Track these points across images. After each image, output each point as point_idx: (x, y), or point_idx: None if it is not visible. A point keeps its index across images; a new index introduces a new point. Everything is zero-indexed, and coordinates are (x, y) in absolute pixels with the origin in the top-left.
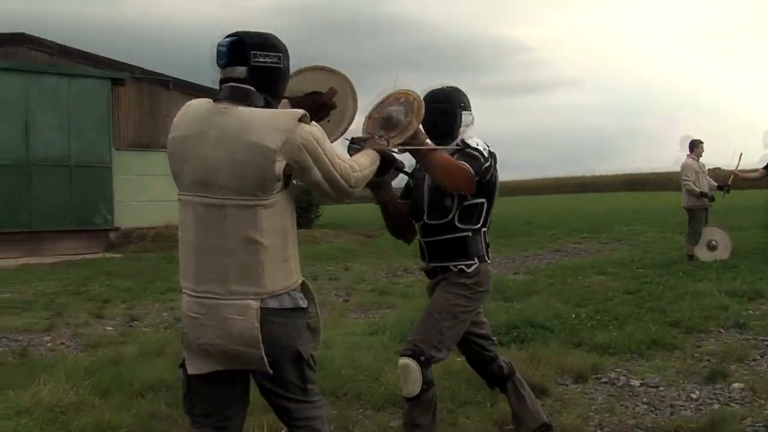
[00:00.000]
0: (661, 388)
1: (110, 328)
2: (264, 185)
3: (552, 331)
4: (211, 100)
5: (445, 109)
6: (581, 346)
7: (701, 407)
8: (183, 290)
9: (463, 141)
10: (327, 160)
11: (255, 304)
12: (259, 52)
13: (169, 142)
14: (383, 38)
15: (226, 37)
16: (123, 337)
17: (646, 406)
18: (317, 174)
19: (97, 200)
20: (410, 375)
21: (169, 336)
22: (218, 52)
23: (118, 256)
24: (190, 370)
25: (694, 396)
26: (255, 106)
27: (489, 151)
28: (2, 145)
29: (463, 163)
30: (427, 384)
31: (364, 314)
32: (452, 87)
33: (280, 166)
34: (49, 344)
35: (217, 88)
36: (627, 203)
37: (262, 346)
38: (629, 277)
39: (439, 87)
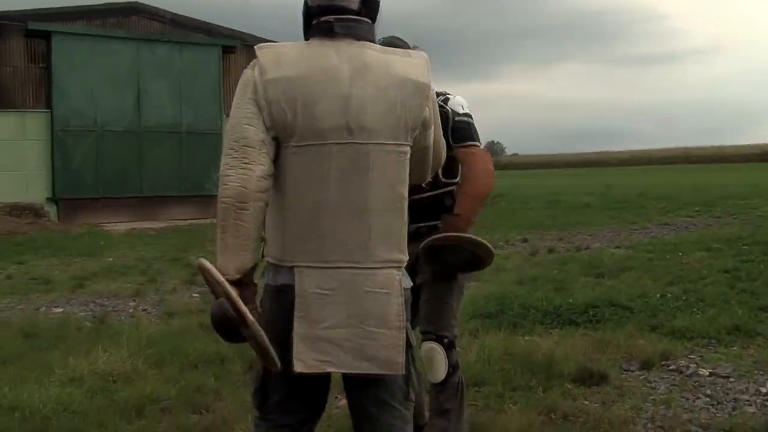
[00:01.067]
0: (731, 380)
1: (196, 295)
2: (412, 128)
3: (631, 311)
4: (319, 39)
5: None
6: (657, 330)
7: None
8: (299, 265)
9: (448, 104)
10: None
11: (398, 275)
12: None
13: (268, 85)
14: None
15: None
16: (206, 305)
17: (707, 399)
18: (431, 137)
19: (207, 167)
20: (435, 359)
21: None
22: None
23: None
24: (299, 368)
25: (764, 390)
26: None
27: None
28: (115, 113)
29: (477, 155)
30: (453, 367)
31: None
32: (396, 37)
33: (428, 115)
34: (131, 310)
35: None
36: (750, 177)
37: (405, 329)
38: (731, 255)
39: (387, 37)
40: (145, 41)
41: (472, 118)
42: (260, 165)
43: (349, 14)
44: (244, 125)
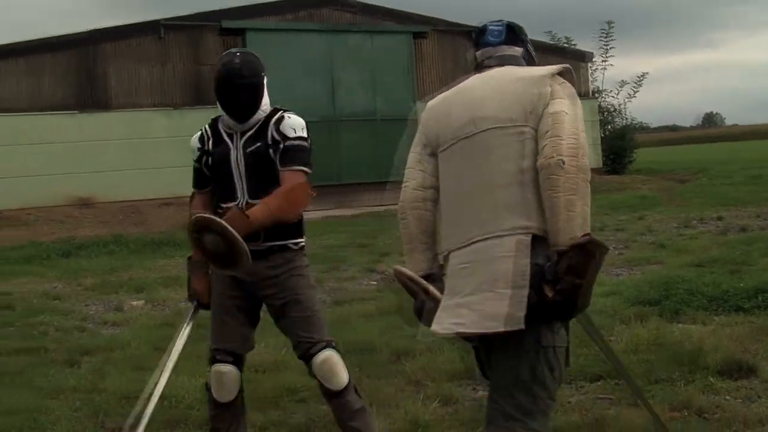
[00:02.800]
0: None
1: (374, 282)
2: (531, 111)
3: None
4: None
5: (254, 84)
6: None
7: None
8: (449, 253)
9: (279, 130)
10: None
11: (528, 239)
12: (527, 38)
13: (426, 112)
14: None
15: (494, 21)
16: (379, 293)
17: None
18: (557, 105)
19: (403, 153)
20: (338, 365)
21: None
22: (492, 31)
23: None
24: (435, 329)
25: None
26: None
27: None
28: (310, 103)
29: (293, 178)
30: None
31: (626, 270)
32: (249, 52)
33: (546, 92)
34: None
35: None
36: None
37: (528, 285)
38: None
39: (233, 54)
40: (337, 31)
41: (306, 141)
42: (413, 179)
43: (500, 51)
44: (410, 152)
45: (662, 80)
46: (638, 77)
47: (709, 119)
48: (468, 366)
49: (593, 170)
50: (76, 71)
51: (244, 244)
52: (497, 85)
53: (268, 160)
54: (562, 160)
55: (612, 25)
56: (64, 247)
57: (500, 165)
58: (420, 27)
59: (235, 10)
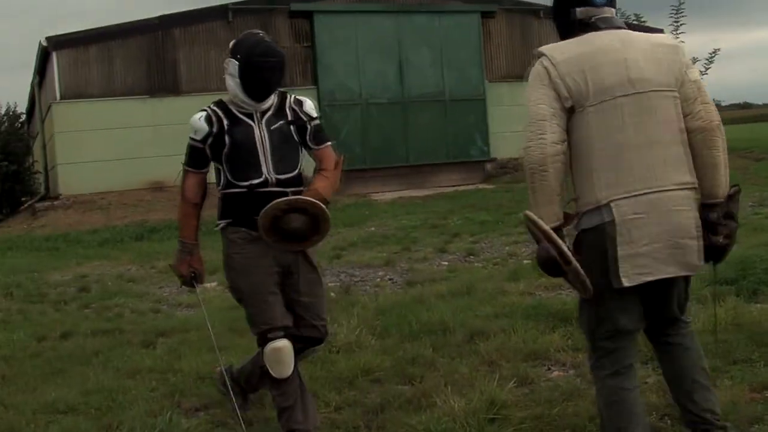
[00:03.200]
0: None
1: (445, 263)
2: (677, 79)
3: None
4: (587, 34)
5: (283, 63)
6: None
7: None
8: (610, 199)
9: (303, 111)
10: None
11: (692, 194)
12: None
13: (559, 66)
14: None
15: None
16: (451, 273)
17: None
18: (694, 73)
19: (473, 132)
20: (289, 355)
21: (493, 272)
22: None
23: (491, 187)
24: (625, 283)
25: None
26: None
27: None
28: (379, 85)
29: (332, 154)
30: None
31: None
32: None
33: (686, 62)
34: (378, 279)
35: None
36: None
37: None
38: None
39: (260, 35)
40: (404, 12)
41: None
42: (552, 133)
43: (604, 12)
44: (538, 104)
45: (734, 57)
46: (710, 54)
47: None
48: (543, 346)
49: None
50: (147, 57)
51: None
52: (644, 50)
53: (290, 136)
54: (719, 123)
55: (682, 1)
56: (137, 230)
57: (664, 125)
58: (487, 6)
59: None
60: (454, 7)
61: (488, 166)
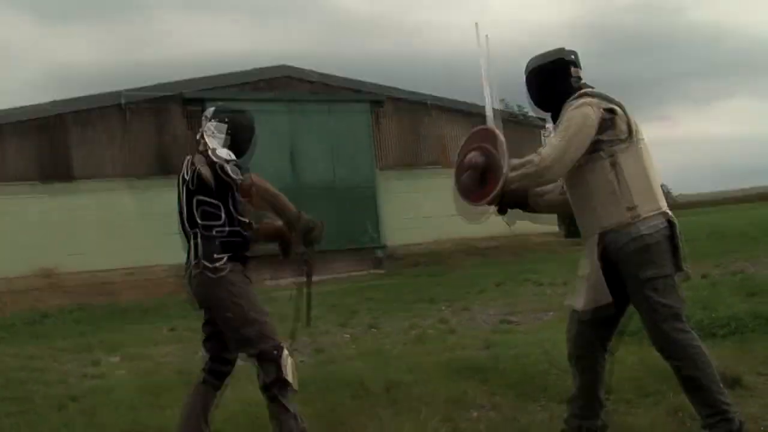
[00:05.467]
0: None
1: (348, 335)
2: None
3: None
4: None
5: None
6: None
7: None
8: (653, 211)
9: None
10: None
11: None
12: None
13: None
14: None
15: None
16: (356, 342)
17: None
18: None
19: (364, 221)
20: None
21: (397, 339)
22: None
23: (382, 272)
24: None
25: None
26: None
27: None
28: (272, 174)
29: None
30: None
31: None
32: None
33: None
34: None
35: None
36: None
37: None
38: None
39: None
40: (296, 101)
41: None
42: None
43: None
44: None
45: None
46: None
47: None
48: (460, 392)
49: (552, 234)
50: (39, 142)
51: None
52: None
53: None
54: None
55: None
56: (30, 315)
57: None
58: (377, 97)
59: (197, 81)
60: (345, 97)
61: (379, 252)
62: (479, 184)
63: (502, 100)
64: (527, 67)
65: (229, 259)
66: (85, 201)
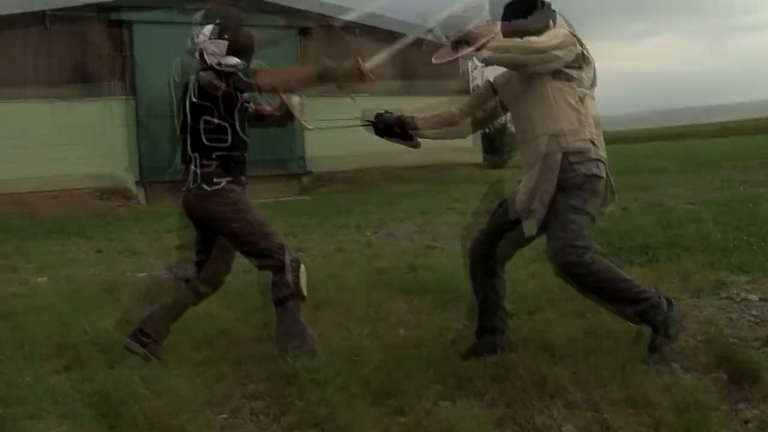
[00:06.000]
0: None
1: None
2: None
3: (690, 251)
4: None
5: None
6: (714, 265)
7: None
8: (601, 157)
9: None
10: None
11: None
12: None
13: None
14: None
15: None
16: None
17: (751, 318)
18: None
19: (290, 147)
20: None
21: (323, 263)
22: None
23: (308, 198)
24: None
25: None
26: None
27: None
28: None
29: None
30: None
31: None
32: None
33: None
34: None
35: None
36: None
37: None
38: None
39: None
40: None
41: None
42: None
43: None
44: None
45: None
46: None
47: None
48: (386, 310)
49: (475, 165)
50: None
51: None
52: None
53: None
54: None
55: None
56: None
57: None
58: (306, 22)
59: (123, 2)
60: (272, 22)
61: (304, 179)
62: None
63: (430, 31)
64: None
65: (228, 182)
66: (7, 121)
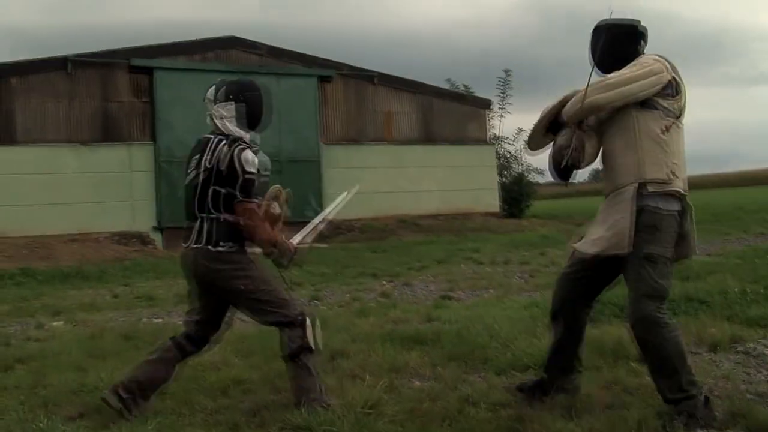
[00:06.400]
0: None
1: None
2: None
3: (708, 305)
4: None
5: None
6: (731, 319)
7: None
8: (681, 189)
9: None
10: None
11: None
12: None
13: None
14: None
15: None
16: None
17: None
18: None
19: (308, 193)
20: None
21: (340, 311)
22: None
23: (325, 245)
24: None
25: None
26: None
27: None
28: None
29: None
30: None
31: (537, 293)
32: None
33: None
34: (226, 318)
35: None
36: None
37: None
38: None
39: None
40: (245, 72)
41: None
42: None
43: None
44: None
45: None
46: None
47: (597, 175)
48: (402, 362)
49: (491, 214)
50: None
51: None
52: None
53: None
54: None
55: (509, 73)
56: None
57: None
58: (325, 71)
59: (145, 49)
60: (293, 70)
61: (322, 226)
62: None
63: (448, 80)
64: (602, 23)
65: (231, 246)
66: (30, 165)
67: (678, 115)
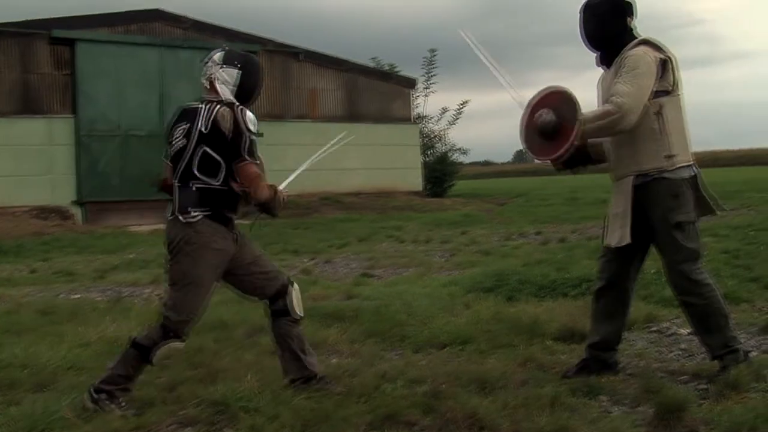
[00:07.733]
0: None
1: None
2: None
3: None
4: None
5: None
6: (647, 299)
7: None
8: (685, 162)
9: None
10: None
11: None
12: None
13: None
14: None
15: None
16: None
17: (680, 352)
18: None
19: None
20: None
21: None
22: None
23: (246, 222)
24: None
25: None
26: None
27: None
28: (139, 118)
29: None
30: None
31: (456, 271)
32: None
33: None
34: (146, 295)
35: None
36: None
37: None
38: (737, 239)
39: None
40: (168, 47)
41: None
42: None
43: None
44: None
45: (478, 118)
46: (459, 105)
47: (521, 156)
48: (321, 339)
49: (415, 193)
50: None
51: None
52: None
53: None
54: None
55: (434, 52)
56: None
57: None
58: (250, 46)
59: (66, 20)
60: (217, 45)
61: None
62: (549, 140)
63: (374, 59)
64: (588, 1)
65: (206, 216)
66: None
67: (671, 89)
